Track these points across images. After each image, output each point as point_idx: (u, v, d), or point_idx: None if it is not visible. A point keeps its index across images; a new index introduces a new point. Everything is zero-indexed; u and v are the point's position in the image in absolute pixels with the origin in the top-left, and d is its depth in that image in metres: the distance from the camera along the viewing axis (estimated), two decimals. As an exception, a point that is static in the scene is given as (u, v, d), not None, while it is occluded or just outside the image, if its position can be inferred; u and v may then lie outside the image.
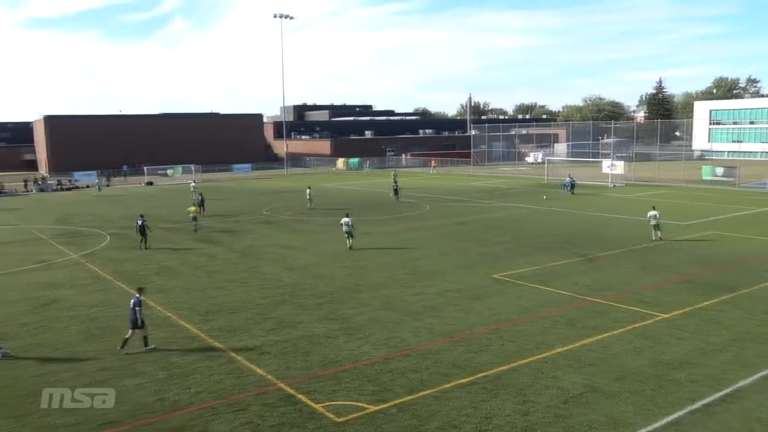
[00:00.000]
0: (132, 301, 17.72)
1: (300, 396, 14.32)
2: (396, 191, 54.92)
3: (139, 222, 33.67)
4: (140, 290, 18.20)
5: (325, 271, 26.98)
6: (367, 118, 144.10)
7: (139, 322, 17.43)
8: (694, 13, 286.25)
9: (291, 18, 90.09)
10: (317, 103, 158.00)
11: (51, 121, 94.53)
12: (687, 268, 26.13)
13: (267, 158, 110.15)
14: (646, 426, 12.63)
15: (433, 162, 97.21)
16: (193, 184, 63.42)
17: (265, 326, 19.49)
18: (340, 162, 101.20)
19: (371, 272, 26.48)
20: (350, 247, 31.49)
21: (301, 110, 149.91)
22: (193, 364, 16.48)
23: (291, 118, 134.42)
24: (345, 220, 32.15)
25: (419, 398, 14.08)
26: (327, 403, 13.90)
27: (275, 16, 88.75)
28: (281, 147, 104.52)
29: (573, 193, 55.67)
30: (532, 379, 14.99)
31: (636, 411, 13.28)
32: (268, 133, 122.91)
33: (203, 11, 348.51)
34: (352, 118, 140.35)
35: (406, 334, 18.48)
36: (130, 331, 17.52)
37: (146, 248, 32.83)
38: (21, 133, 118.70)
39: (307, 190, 50.81)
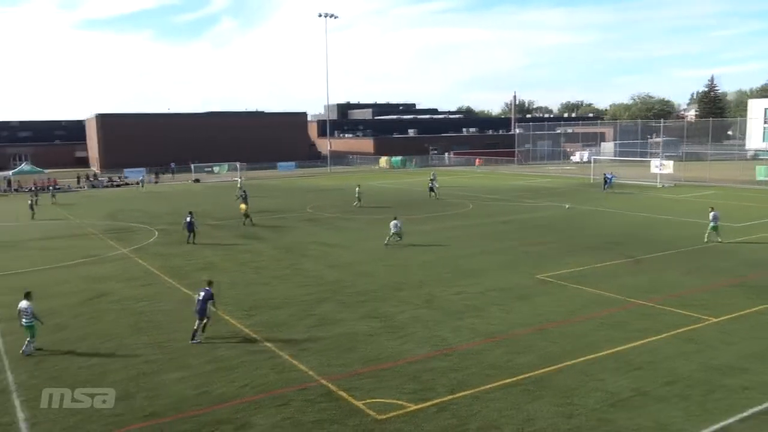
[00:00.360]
0: (202, 293, 18.37)
1: (341, 393, 14.37)
2: (432, 189, 54.72)
3: (188, 219, 34.40)
4: (210, 283, 18.89)
5: (367, 268, 27.03)
6: (410, 116, 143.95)
7: (208, 313, 18.10)
8: (747, 8, 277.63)
9: (335, 17, 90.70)
10: (360, 102, 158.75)
11: (102, 119, 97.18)
12: (739, 271, 25.32)
13: (311, 156, 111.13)
14: (696, 432, 12.27)
15: (478, 161, 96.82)
16: (239, 181, 64.33)
17: (308, 322, 19.63)
18: (383, 160, 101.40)
19: (413, 270, 26.43)
20: (386, 244, 31.72)
21: (344, 109, 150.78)
22: (237, 358, 16.69)
23: (335, 117, 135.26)
24: (394, 222, 32.24)
25: (460, 398, 13.97)
26: (367, 401, 13.91)
27: (320, 16, 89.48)
28: (325, 145, 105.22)
29: (605, 190, 55.72)
30: (576, 382, 14.72)
31: (685, 417, 12.92)
32: (312, 131, 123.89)
33: (250, 11, 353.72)
34: (395, 117, 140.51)
35: (447, 333, 18.37)
36: (198, 321, 18.09)
37: (194, 243, 33.47)
38: (75, 131, 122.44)
39: (356, 189, 50.74)
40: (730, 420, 12.75)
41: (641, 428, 12.48)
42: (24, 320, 17.23)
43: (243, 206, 42.05)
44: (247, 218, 40.57)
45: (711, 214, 31.28)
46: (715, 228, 31.02)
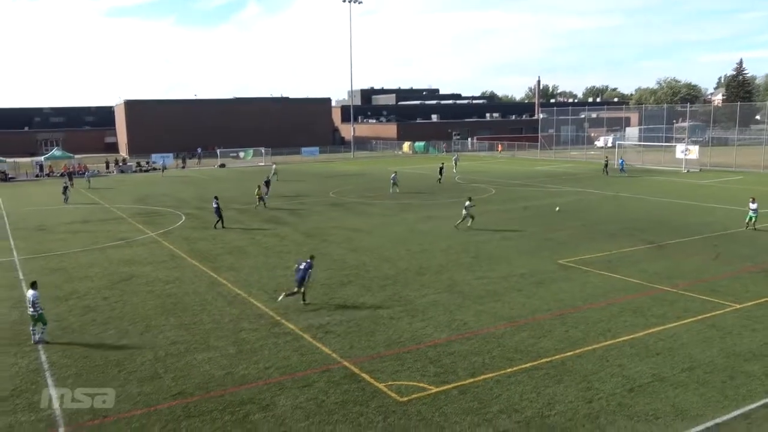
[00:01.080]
0: (303, 264, 19.94)
1: (363, 375, 14.51)
2: (441, 171, 55.51)
3: (215, 204, 34.77)
4: (312, 257, 20.88)
5: (389, 253, 27.13)
6: (434, 101, 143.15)
7: (306, 282, 19.78)
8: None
9: (360, 2, 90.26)
10: (384, 87, 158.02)
11: (130, 105, 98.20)
12: (763, 257, 24.95)
13: (334, 141, 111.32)
14: (715, 418, 12.20)
15: (499, 146, 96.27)
16: (273, 167, 64.56)
17: (331, 306, 19.80)
18: (406, 146, 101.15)
19: (435, 255, 26.46)
20: (456, 226, 32.07)
21: (368, 94, 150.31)
22: (262, 340, 16.91)
23: (358, 102, 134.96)
24: (468, 203, 32.31)
25: (481, 381, 14.03)
26: (390, 383, 14.02)
27: (344, 1, 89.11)
28: (348, 131, 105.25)
29: (607, 173, 57.59)
30: (596, 367, 14.69)
31: (704, 402, 12.85)
32: (336, 116, 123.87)
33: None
34: (418, 102, 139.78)
35: (468, 317, 18.41)
36: (296, 288, 19.85)
37: (223, 227, 33.89)
38: (104, 117, 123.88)
39: (393, 175, 49.84)
40: (751, 406, 12.65)
41: (659, 413, 12.45)
42: (31, 310, 16.83)
43: (258, 190, 42.71)
44: (261, 201, 41.49)
45: (752, 206, 30.39)
46: (753, 217, 30.25)
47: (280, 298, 20.15)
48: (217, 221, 34.41)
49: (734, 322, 17.46)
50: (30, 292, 17.03)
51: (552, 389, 13.58)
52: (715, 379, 13.93)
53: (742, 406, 12.63)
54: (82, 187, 56.68)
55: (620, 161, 60.77)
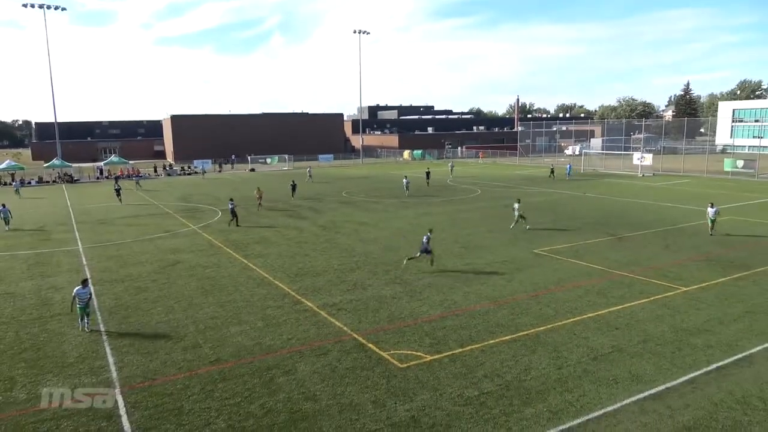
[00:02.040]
0: (425, 238, 21.72)
1: (370, 345, 14.50)
2: (428, 176, 54.33)
3: (230, 205, 33.51)
4: (431, 231, 22.82)
5: (391, 243, 27.07)
6: (429, 116, 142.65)
7: (429, 249, 21.58)
8: (720, 23, 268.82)
9: (368, 33, 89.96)
10: (388, 104, 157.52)
11: (175, 119, 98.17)
12: (706, 248, 24.84)
13: (346, 150, 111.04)
14: (665, 383, 12.16)
15: (481, 154, 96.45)
16: (309, 170, 64.20)
17: (342, 287, 19.78)
18: (406, 153, 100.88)
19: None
20: (512, 227, 29.79)
21: (374, 110, 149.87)
22: (285, 316, 16.92)
23: (366, 117, 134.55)
24: (516, 205, 30.12)
25: (468, 351, 14.02)
26: (392, 352, 14.02)
27: (354, 32, 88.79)
28: (358, 141, 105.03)
29: (553, 178, 56.71)
30: (565, 339, 14.66)
31: (656, 370, 12.81)
32: (347, 128, 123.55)
33: (296, 29, 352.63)
34: (416, 117, 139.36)
35: (458, 297, 18.38)
36: (419, 254, 21.70)
37: (237, 226, 32.34)
38: (153, 129, 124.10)
39: (404, 181, 46.73)
40: (696, 373, 12.61)
41: (618, 378, 12.42)
42: (79, 304, 15.78)
43: (257, 192, 40.49)
44: (259, 203, 39.85)
45: (710, 210, 27.49)
46: (713, 221, 27.35)
47: (405, 262, 22.06)
48: (232, 219, 32.85)
49: (682, 303, 17.39)
50: (79, 288, 15.94)
51: (528, 358, 13.55)
52: (666, 350, 13.89)
53: (688, 373, 12.60)
54: (131, 188, 56.62)
55: (568, 167, 60.24)
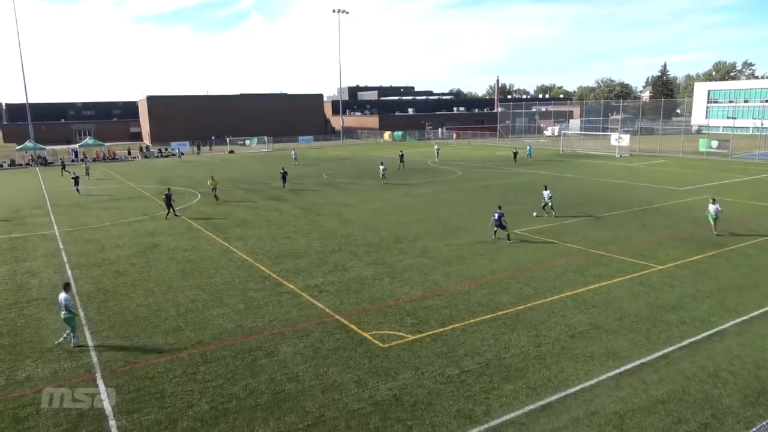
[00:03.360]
0: (496, 215, 23.01)
1: (352, 326, 14.59)
2: (401, 158, 52.68)
3: (167, 193, 30.60)
4: (500, 207, 23.67)
5: (372, 224, 27.10)
6: (410, 97, 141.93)
7: (504, 224, 22.88)
8: (697, 5, 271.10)
9: (347, 12, 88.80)
10: (368, 85, 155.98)
11: (151, 100, 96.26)
12: (681, 227, 25.33)
13: (326, 131, 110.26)
14: (640, 358, 12.47)
15: (455, 135, 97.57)
16: (294, 153, 62.78)
17: (324, 269, 19.80)
18: (387, 135, 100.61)
19: (411, 226, 26.48)
20: (539, 215, 27.98)
21: (354, 91, 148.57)
22: (266, 298, 16.91)
23: (346, 98, 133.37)
24: (546, 192, 28.31)
25: (449, 330, 14.19)
26: (374, 332, 14.13)
27: (333, 11, 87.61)
28: (338, 122, 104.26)
29: (515, 162, 54.72)
30: (544, 317, 14.91)
31: (631, 346, 13.12)
32: (327, 110, 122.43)
33: (274, 6, 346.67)
34: (396, 98, 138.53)
35: (439, 277, 18.53)
36: (503, 230, 22.97)
37: (176, 215, 30.04)
38: (129, 110, 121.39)
39: (381, 167, 43.58)
40: (670, 348, 12.95)
41: (595, 355, 12.70)
42: (63, 313, 13.76)
43: (209, 182, 36.79)
44: (214, 193, 36.03)
45: (711, 207, 23.89)
46: (715, 219, 23.73)
47: (493, 237, 23.36)
48: (168, 212, 29.95)
49: (657, 281, 17.77)
50: (62, 295, 13.87)
51: (508, 336, 13.77)
52: (641, 326, 14.22)
53: (662, 349, 12.93)
54: (83, 176, 54.66)
55: (528, 148, 59.92)
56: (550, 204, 28.23)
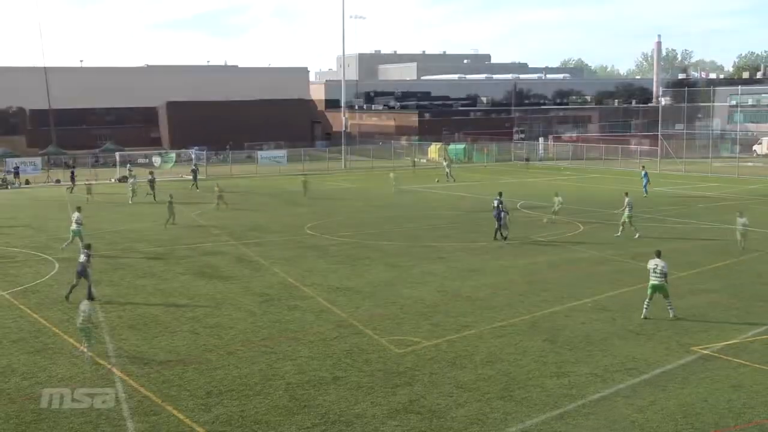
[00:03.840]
0: (496, 201, 23.83)
1: (368, 331, 14.53)
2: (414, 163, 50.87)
3: (168, 199, 28.79)
4: (500, 194, 24.18)
5: (385, 229, 27.01)
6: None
7: (503, 221, 23.29)
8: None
9: (363, 18, 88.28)
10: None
11: (170, 105, 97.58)
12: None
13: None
14: (662, 366, 12.25)
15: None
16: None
17: (340, 274, 19.79)
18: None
19: (424, 235, 26.29)
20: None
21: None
22: (285, 302, 16.94)
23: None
24: (741, 220, 21.83)
25: (466, 336, 14.08)
26: (389, 337, 14.08)
27: (350, 17, 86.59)
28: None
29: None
30: (562, 324, 14.76)
31: (651, 353, 12.89)
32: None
33: (292, 14, 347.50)
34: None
35: (455, 283, 18.44)
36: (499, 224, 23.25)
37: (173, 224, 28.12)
38: (149, 115, 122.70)
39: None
40: (688, 359, 12.70)
41: (614, 362, 12.52)
42: (80, 323, 12.91)
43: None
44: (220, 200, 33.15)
45: (740, 220, 21.74)
46: (743, 234, 21.68)
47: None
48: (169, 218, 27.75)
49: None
50: (84, 304, 13.25)
51: (524, 342, 13.64)
52: (662, 334, 13.96)
53: (683, 358, 12.70)
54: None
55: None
56: (556, 209, 27.46)
